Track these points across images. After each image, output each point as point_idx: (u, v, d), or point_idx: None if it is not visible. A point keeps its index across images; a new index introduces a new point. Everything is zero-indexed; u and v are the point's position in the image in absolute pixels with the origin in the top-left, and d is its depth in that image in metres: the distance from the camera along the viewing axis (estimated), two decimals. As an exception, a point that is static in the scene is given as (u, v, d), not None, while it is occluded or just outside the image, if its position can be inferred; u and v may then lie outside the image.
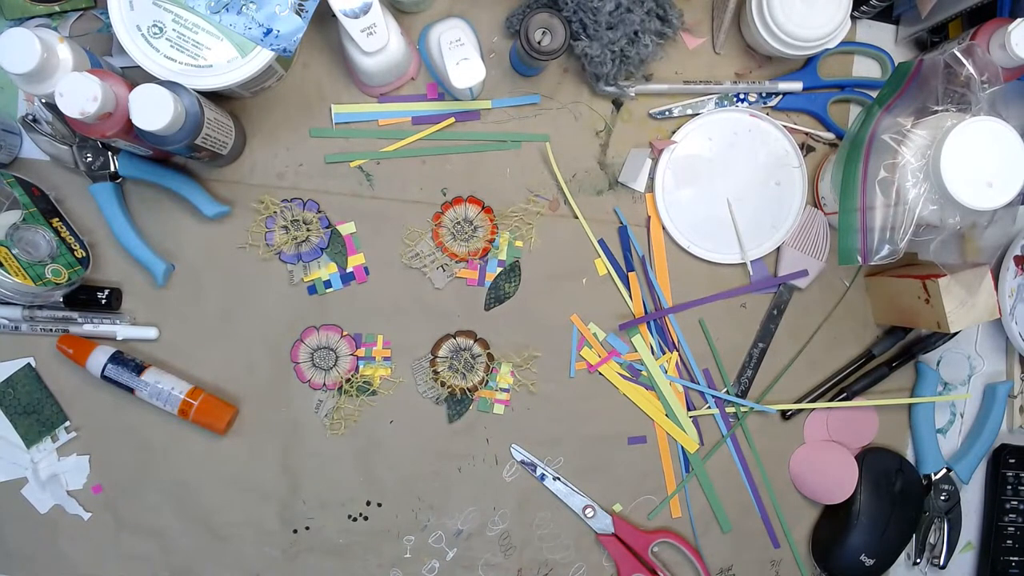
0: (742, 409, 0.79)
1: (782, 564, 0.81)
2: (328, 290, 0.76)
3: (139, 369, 0.72)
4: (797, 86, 0.78)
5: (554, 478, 0.78)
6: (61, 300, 0.72)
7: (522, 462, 0.78)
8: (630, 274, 0.78)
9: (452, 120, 0.76)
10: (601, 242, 0.78)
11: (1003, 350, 0.83)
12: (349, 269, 0.76)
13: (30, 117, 0.69)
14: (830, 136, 0.79)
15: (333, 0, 0.65)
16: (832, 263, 0.79)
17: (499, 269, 0.77)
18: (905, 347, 0.81)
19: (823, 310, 0.80)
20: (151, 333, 0.74)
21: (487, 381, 0.77)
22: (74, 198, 0.74)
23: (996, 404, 0.81)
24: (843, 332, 0.81)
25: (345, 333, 0.77)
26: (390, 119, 0.76)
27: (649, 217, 0.79)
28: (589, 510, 0.78)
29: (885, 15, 0.80)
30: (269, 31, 0.65)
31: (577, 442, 0.79)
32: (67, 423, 0.74)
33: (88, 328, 0.73)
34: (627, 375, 0.79)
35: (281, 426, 0.76)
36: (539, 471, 0.78)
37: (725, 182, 0.78)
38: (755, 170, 0.78)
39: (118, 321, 0.74)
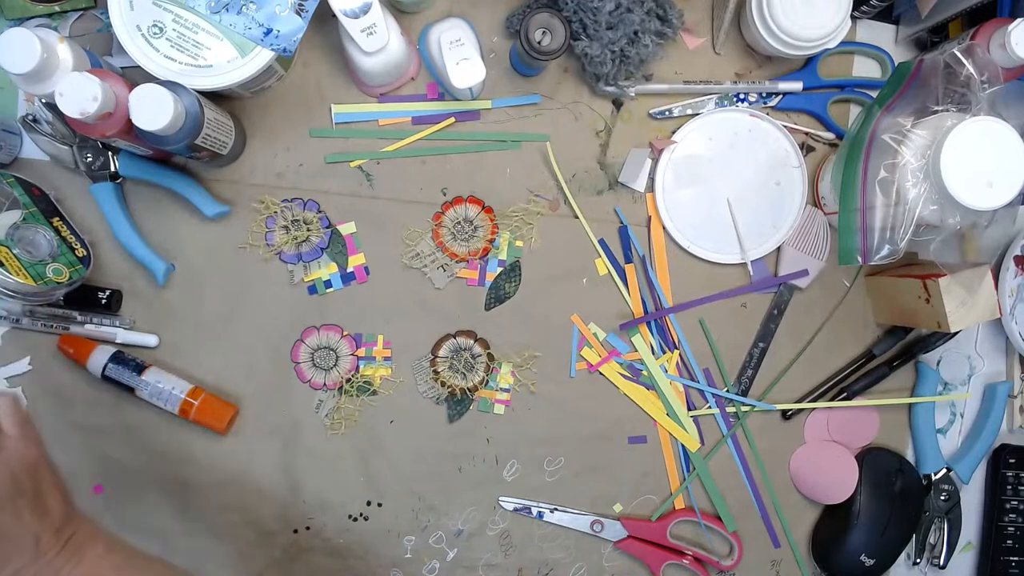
0: (743, 408, 0.79)
1: (782, 564, 0.81)
2: (328, 290, 0.76)
3: (140, 369, 0.72)
4: (797, 86, 0.78)
5: (552, 510, 0.78)
6: (62, 300, 0.72)
7: (515, 509, 0.78)
8: (627, 266, 0.78)
9: (452, 120, 0.76)
10: (601, 242, 0.78)
11: (1003, 350, 0.83)
12: (349, 269, 0.76)
13: (30, 117, 0.69)
14: (830, 136, 0.79)
15: (333, 0, 0.65)
16: (832, 263, 0.79)
17: (499, 269, 0.77)
18: (905, 347, 0.81)
19: (823, 310, 0.80)
20: (151, 340, 0.74)
21: (487, 381, 0.77)
22: (74, 198, 0.74)
23: (996, 404, 0.81)
24: (843, 332, 0.81)
25: (345, 333, 0.76)
26: (390, 119, 0.76)
27: (649, 217, 0.79)
28: (596, 524, 0.78)
29: (885, 15, 0.79)
30: (269, 31, 0.65)
31: (577, 442, 0.79)
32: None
33: (89, 328, 0.73)
34: (627, 375, 0.79)
35: (281, 426, 0.76)
36: (535, 511, 0.78)
37: (725, 182, 0.78)
38: (755, 170, 0.78)
39: (118, 324, 0.74)
